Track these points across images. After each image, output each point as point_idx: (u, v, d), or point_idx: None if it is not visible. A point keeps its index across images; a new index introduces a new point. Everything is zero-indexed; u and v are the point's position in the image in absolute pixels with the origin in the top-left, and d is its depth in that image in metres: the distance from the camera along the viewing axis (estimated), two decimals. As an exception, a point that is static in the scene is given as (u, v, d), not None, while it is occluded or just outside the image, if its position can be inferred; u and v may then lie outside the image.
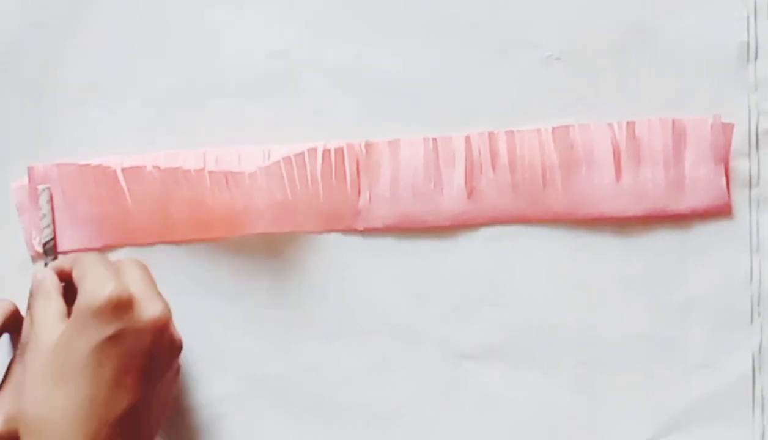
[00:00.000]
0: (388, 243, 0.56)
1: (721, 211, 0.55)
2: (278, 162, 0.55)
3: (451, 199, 0.55)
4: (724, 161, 0.55)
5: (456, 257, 0.56)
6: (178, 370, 0.54)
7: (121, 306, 0.48)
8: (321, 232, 0.56)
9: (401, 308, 0.56)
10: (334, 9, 0.57)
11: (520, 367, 0.56)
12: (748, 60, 0.55)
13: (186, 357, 0.56)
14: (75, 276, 0.51)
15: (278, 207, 0.55)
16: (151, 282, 0.52)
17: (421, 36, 0.56)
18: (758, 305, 0.55)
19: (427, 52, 0.56)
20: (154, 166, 0.55)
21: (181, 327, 0.56)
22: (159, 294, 0.51)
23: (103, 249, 0.56)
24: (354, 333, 0.56)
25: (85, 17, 0.57)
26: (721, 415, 0.55)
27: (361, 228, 0.56)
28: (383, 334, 0.56)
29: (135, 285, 0.50)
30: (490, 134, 0.55)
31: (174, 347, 0.52)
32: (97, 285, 0.49)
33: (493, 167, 0.55)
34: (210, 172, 0.55)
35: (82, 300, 0.49)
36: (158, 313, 0.50)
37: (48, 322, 0.50)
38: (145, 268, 0.52)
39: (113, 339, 0.48)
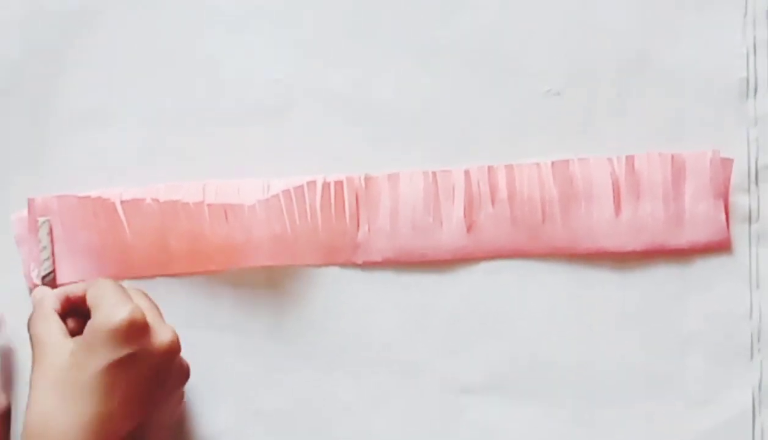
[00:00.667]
0: (387, 276, 0.56)
1: (721, 246, 0.55)
2: (277, 195, 0.55)
3: (451, 233, 0.55)
4: (724, 196, 0.55)
5: (455, 291, 0.56)
6: (182, 396, 0.55)
7: (137, 329, 0.49)
8: (320, 266, 0.56)
9: (400, 341, 0.56)
10: (332, 37, 0.57)
11: (518, 401, 0.56)
12: (747, 95, 0.55)
13: (185, 389, 0.56)
14: (90, 298, 0.51)
15: (277, 240, 0.55)
16: (158, 310, 0.52)
17: (421, 66, 0.56)
18: (758, 341, 0.55)
19: (426, 81, 0.56)
20: (153, 199, 0.55)
21: (180, 360, 0.56)
22: (164, 321, 0.52)
23: (102, 282, 0.56)
24: (352, 366, 0.56)
25: (84, 45, 0.57)
26: (720, 451, 0.55)
27: (360, 261, 0.56)
28: (382, 367, 0.56)
29: (146, 312, 0.51)
30: (490, 168, 0.55)
31: (182, 373, 0.53)
32: (114, 307, 0.49)
33: (493, 201, 0.55)
34: (209, 205, 0.55)
35: (98, 320, 0.49)
36: (170, 339, 0.51)
37: (53, 341, 0.50)
38: (150, 298, 0.53)
39: (127, 360, 0.49)
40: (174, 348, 0.51)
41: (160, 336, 0.50)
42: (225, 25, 0.57)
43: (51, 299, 0.53)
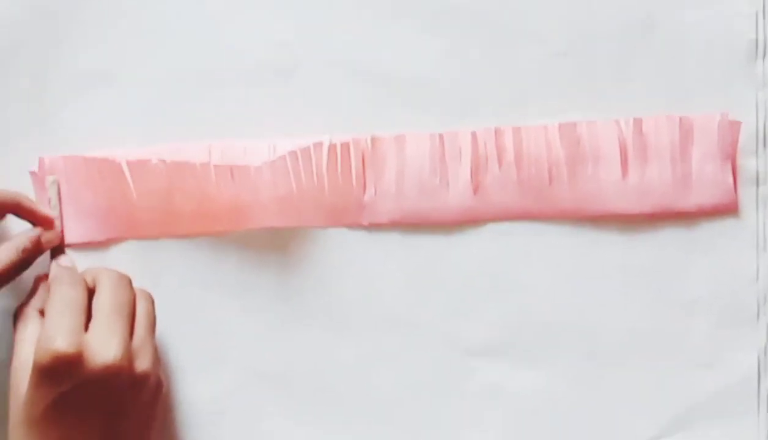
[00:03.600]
0: (393, 238, 0.56)
1: (728, 209, 0.55)
2: (284, 156, 0.55)
3: (457, 195, 0.55)
4: (731, 159, 0.54)
5: (461, 253, 0.56)
6: (157, 389, 0.52)
7: (68, 364, 0.47)
8: (326, 227, 0.56)
9: (406, 303, 0.56)
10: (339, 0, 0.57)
11: (524, 363, 0.56)
12: (756, 57, 0.55)
13: (189, 351, 0.56)
14: (46, 306, 0.50)
15: (283, 201, 0.55)
16: (119, 309, 0.50)
17: (427, 28, 0.56)
18: (764, 303, 0.55)
19: (432, 44, 0.56)
20: (159, 159, 0.55)
21: (185, 321, 0.56)
22: (119, 327, 0.49)
23: (108, 243, 0.56)
24: (358, 328, 0.56)
25: (89, 6, 0.57)
26: (725, 414, 0.55)
27: (366, 223, 0.56)
28: (387, 329, 0.56)
29: (97, 319, 0.49)
30: (497, 130, 0.55)
31: (136, 381, 0.50)
32: (47, 339, 0.47)
33: (500, 163, 0.55)
34: (215, 166, 0.55)
35: (35, 354, 0.48)
36: (110, 359, 0.48)
37: (20, 363, 0.50)
38: (120, 284, 0.51)
39: (67, 394, 0.48)
40: (114, 367, 0.48)
41: (99, 357, 0.47)
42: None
43: (39, 296, 0.52)
